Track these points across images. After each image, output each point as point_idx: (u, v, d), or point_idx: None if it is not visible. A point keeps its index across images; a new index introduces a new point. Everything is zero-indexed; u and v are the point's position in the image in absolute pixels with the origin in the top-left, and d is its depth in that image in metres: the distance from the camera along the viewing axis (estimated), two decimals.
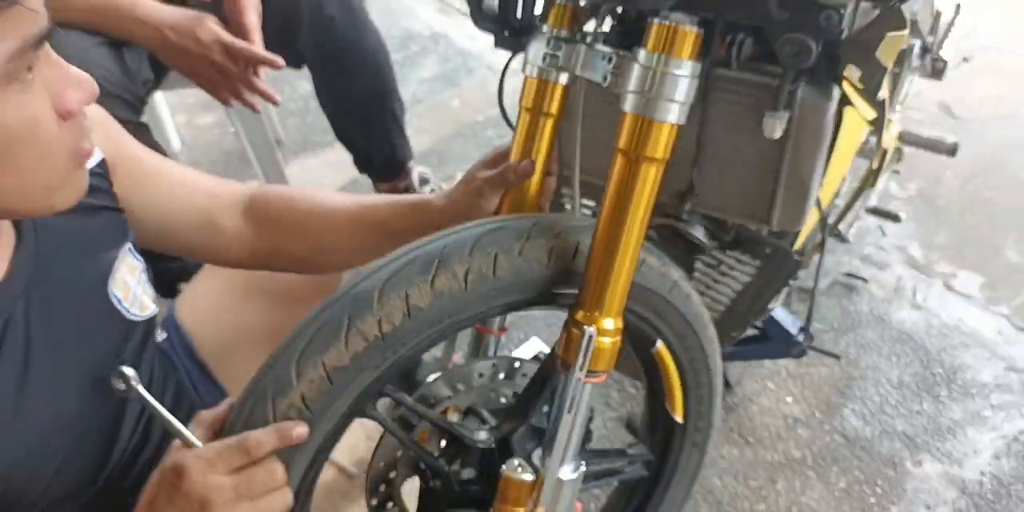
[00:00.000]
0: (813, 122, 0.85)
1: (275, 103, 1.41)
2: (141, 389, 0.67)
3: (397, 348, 0.74)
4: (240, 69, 1.30)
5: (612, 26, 0.87)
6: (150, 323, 0.88)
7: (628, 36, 0.81)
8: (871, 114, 0.87)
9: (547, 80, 0.87)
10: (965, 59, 2.62)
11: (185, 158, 2.33)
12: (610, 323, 0.76)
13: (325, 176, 2.27)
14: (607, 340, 0.76)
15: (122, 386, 0.66)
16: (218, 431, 0.70)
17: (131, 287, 0.84)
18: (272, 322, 1.16)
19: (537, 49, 0.86)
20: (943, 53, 1.54)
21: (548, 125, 0.90)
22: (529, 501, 0.83)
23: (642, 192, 0.72)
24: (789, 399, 1.69)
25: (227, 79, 1.32)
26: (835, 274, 1.93)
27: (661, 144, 0.71)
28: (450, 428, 0.86)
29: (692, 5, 0.68)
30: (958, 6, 1.60)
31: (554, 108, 0.89)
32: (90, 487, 0.81)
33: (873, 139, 1.38)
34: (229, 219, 0.98)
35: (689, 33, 0.69)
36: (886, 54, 0.73)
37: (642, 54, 0.71)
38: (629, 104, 0.72)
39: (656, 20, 0.70)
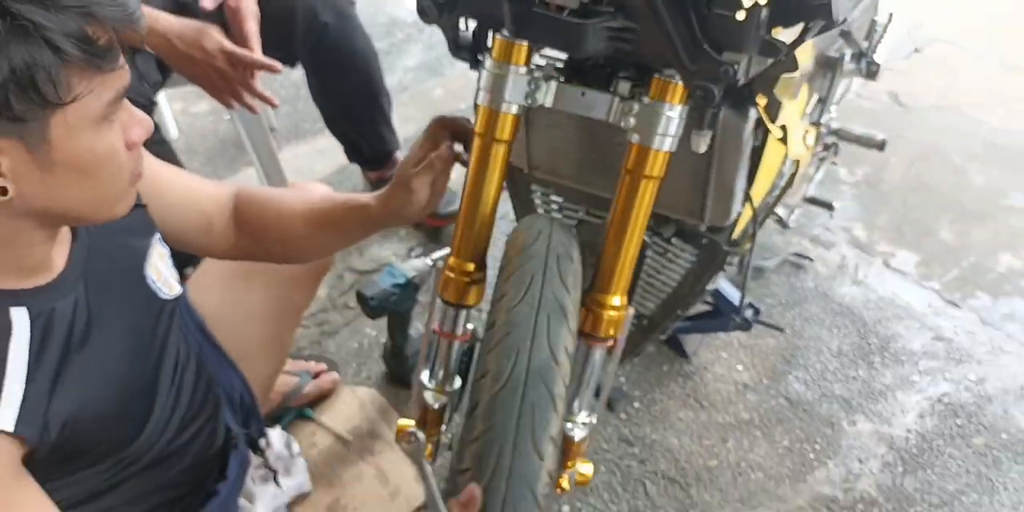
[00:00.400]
0: (733, 138, 1.02)
1: (274, 106, 1.55)
2: (429, 469, 0.80)
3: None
4: (240, 74, 1.41)
5: (565, 62, 1.00)
6: (176, 302, 1.01)
7: (576, 71, 0.96)
8: (779, 133, 1.04)
9: (497, 110, 0.93)
10: (916, 50, 2.78)
11: (182, 145, 2.38)
12: (618, 300, 0.96)
13: (315, 163, 2.34)
14: (615, 313, 0.96)
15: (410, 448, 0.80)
16: None
17: (161, 271, 0.98)
18: (273, 301, 1.31)
19: (486, 81, 0.93)
20: (877, 57, 1.69)
21: (500, 151, 0.96)
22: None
23: (643, 201, 0.92)
24: (740, 367, 1.83)
25: (228, 83, 1.42)
26: (785, 254, 2.06)
27: (658, 166, 0.90)
28: None
29: (629, 57, 0.85)
30: (891, 14, 1.76)
31: (505, 135, 0.95)
32: (134, 441, 0.91)
33: None
34: (220, 220, 1.11)
35: (679, 85, 0.86)
36: (783, 89, 0.90)
37: (645, 100, 0.88)
38: (635, 137, 0.90)
39: (656, 75, 0.87)
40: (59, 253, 0.83)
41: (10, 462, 0.74)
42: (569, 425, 1.04)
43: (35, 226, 0.77)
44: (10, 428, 0.73)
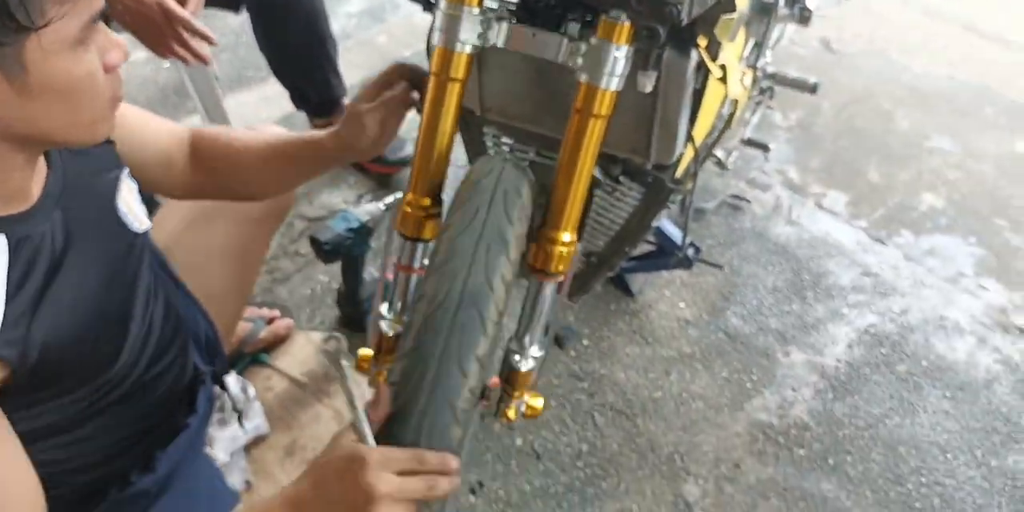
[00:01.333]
0: (676, 78, 1.07)
1: (205, 63, 1.54)
2: (346, 364, 0.82)
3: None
4: (175, 30, 1.41)
5: (517, 3, 1.00)
6: (145, 236, 1.03)
7: (529, 13, 0.99)
8: (719, 73, 1.10)
9: (452, 49, 0.95)
10: None
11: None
12: (568, 236, 1.01)
13: (260, 110, 2.33)
14: (565, 249, 1.01)
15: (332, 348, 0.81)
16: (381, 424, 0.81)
17: (131, 204, 0.99)
18: (235, 241, 1.33)
19: (440, 21, 0.96)
20: (809, 3, 1.75)
21: (455, 89, 0.98)
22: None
23: (591, 139, 0.96)
24: (682, 304, 1.92)
25: (163, 37, 1.42)
26: (723, 196, 2.15)
27: (606, 104, 0.94)
28: None
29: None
30: None
31: (460, 74, 0.97)
32: (110, 368, 0.93)
33: None
34: (179, 158, 1.13)
35: (625, 26, 0.90)
36: (722, 31, 0.95)
37: (593, 41, 0.91)
38: (583, 76, 0.93)
39: (603, 17, 0.90)
40: (36, 182, 0.84)
41: None
42: (517, 357, 1.09)
43: (15, 150, 0.77)
44: None
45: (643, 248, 1.73)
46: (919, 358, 1.86)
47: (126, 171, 1.00)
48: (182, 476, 1.09)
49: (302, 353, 1.72)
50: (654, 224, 1.38)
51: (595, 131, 0.96)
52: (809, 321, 1.92)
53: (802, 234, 2.12)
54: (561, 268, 1.03)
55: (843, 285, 2.00)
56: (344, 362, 0.85)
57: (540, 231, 1.02)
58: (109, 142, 0.97)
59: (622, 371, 1.77)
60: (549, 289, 1.06)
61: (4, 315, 0.76)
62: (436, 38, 0.97)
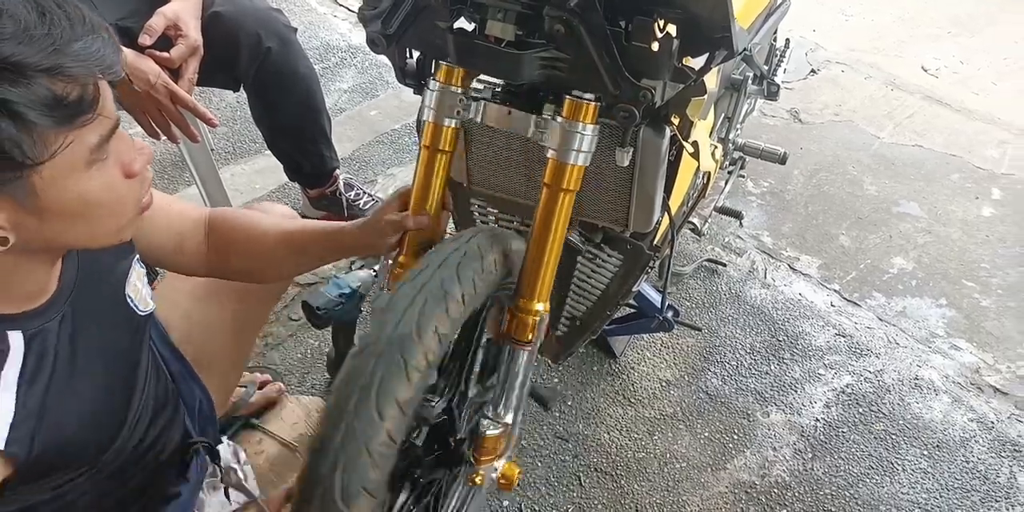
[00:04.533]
0: (651, 153, 1.15)
1: (195, 141, 1.61)
2: None
3: (436, 369, 0.92)
4: (176, 111, 1.47)
5: (503, 85, 1.10)
6: (149, 316, 1.05)
7: (512, 94, 1.08)
8: (691, 149, 1.18)
9: (441, 125, 1.06)
10: (814, 71, 3.00)
11: None
12: (540, 306, 1.06)
13: (255, 182, 2.38)
14: (536, 319, 1.06)
15: None
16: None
17: (139, 289, 1.02)
18: (234, 316, 1.36)
19: (430, 99, 1.06)
20: (777, 78, 1.86)
21: (443, 160, 1.08)
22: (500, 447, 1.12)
23: (561, 212, 1.03)
24: (663, 365, 1.96)
25: (162, 117, 1.48)
26: (700, 260, 2.21)
27: (573, 179, 1.01)
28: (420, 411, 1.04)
29: (559, 82, 0.97)
30: (788, 40, 1.93)
31: (447, 145, 1.07)
32: (110, 446, 0.94)
33: None
34: (193, 240, 1.16)
35: (590, 106, 0.98)
36: (693, 111, 1.03)
37: (560, 120, 0.99)
38: (551, 152, 1.00)
39: (568, 97, 0.98)
40: (52, 276, 0.86)
41: None
42: (485, 422, 1.12)
43: (38, 260, 0.79)
44: (1, 446, 0.75)
45: (624, 311, 1.78)
46: (896, 417, 1.89)
47: (137, 257, 1.03)
48: None
49: (293, 417, 1.73)
50: (635, 289, 1.44)
51: (564, 204, 1.03)
52: (787, 381, 1.95)
53: (777, 296, 2.18)
54: (530, 337, 1.07)
55: (819, 346, 2.05)
56: None
57: (512, 300, 1.08)
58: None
59: (606, 432, 1.80)
60: (523, 356, 1.10)
61: (15, 413, 0.76)
62: (427, 114, 1.06)
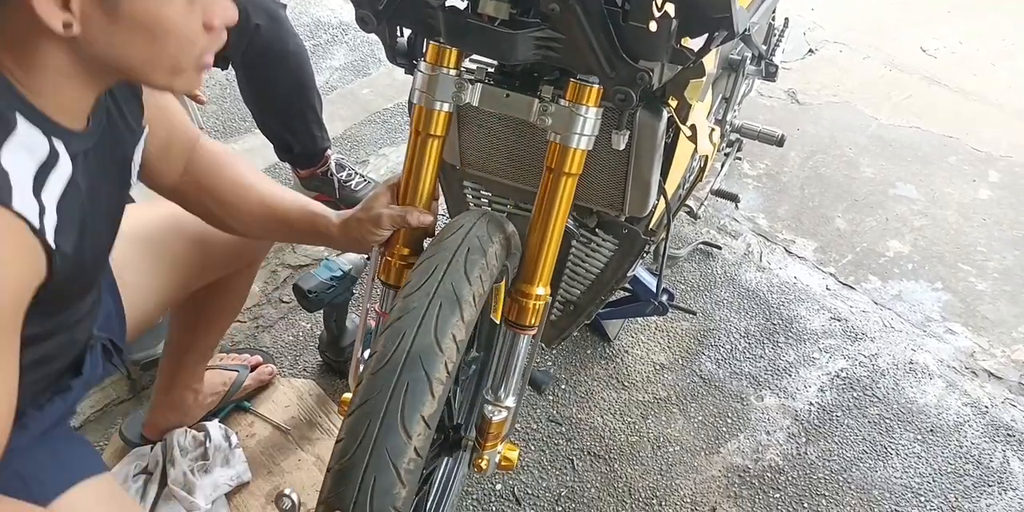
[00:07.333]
0: (648, 137, 1.13)
1: (201, 103, 1.59)
2: None
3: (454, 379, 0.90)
4: None
5: (496, 66, 1.08)
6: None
7: (505, 75, 1.05)
8: (689, 132, 1.16)
9: (432, 109, 1.02)
10: (812, 50, 2.97)
11: None
12: (541, 290, 1.04)
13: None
14: (538, 303, 1.05)
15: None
16: None
17: (138, 161, 1.00)
18: (184, 259, 1.27)
19: (421, 82, 1.02)
20: (775, 59, 1.83)
21: (435, 145, 1.04)
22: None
23: (563, 196, 1.01)
24: (657, 349, 1.95)
25: None
26: (695, 243, 2.19)
27: (576, 163, 0.99)
28: None
29: (554, 63, 0.94)
30: (786, 20, 1.90)
31: (438, 131, 1.03)
32: (82, 299, 0.93)
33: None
34: (178, 149, 1.11)
35: (594, 88, 0.95)
36: (691, 93, 1.01)
37: (563, 103, 0.97)
38: (554, 136, 0.98)
39: (572, 80, 0.95)
40: (89, 104, 0.85)
41: (20, 297, 0.75)
42: (490, 407, 1.12)
43: (92, 73, 0.78)
44: (52, 243, 0.76)
45: (619, 294, 1.76)
46: (890, 401, 1.89)
47: (145, 133, 1.01)
48: (50, 440, 1.02)
49: (285, 399, 1.74)
50: (630, 274, 1.43)
51: (566, 188, 1.01)
52: (781, 365, 1.95)
53: (772, 280, 2.17)
54: (533, 321, 1.06)
55: (813, 329, 2.05)
56: None
57: (514, 284, 1.06)
58: (142, 108, 0.99)
59: (599, 415, 1.79)
60: (523, 341, 1.09)
61: (58, 221, 0.77)
62: (417, 97, 1.03)
